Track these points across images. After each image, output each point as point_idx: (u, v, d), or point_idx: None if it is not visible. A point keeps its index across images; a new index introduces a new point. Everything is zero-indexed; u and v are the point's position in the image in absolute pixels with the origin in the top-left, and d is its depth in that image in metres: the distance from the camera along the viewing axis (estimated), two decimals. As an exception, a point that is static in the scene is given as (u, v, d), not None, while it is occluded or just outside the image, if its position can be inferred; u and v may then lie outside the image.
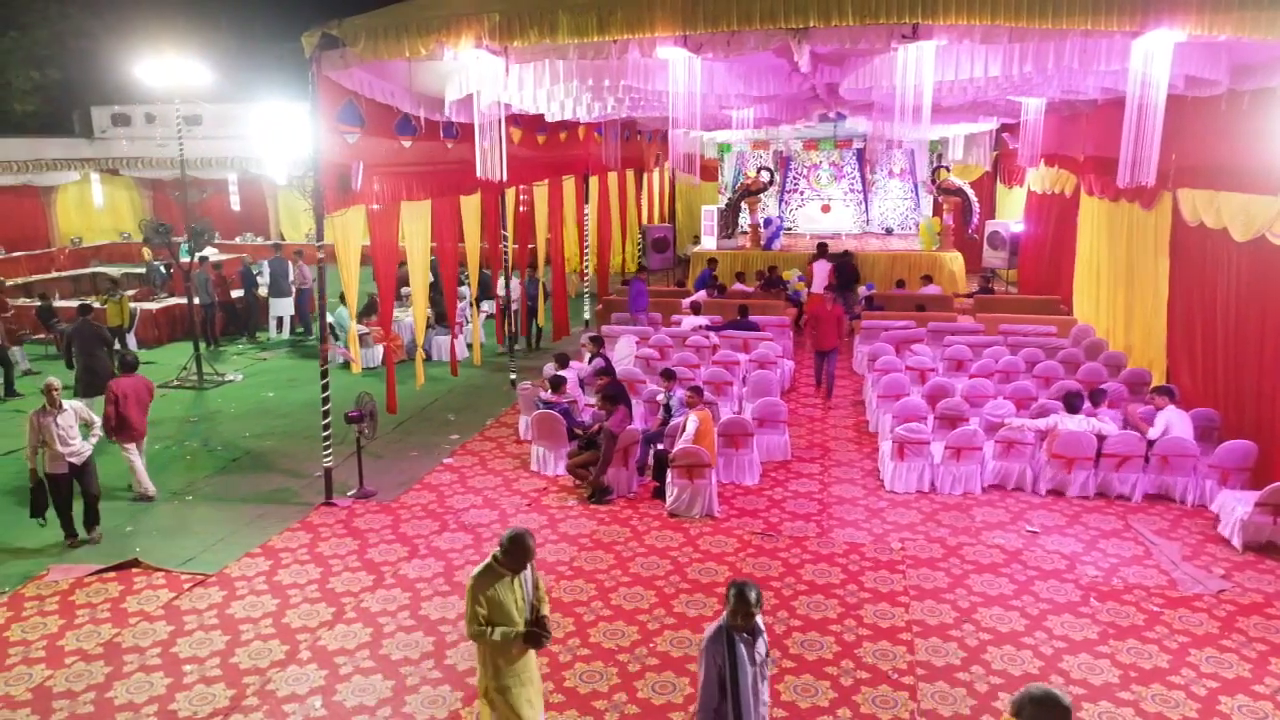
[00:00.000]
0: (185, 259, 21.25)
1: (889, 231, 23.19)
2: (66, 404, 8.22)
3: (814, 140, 22.98)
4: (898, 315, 14.98)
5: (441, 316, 14.64)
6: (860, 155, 23.26)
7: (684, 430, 9.00)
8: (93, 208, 27.98)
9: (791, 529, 8.68)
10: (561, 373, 10.52)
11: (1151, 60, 7.04)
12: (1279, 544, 8.05)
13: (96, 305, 14.48)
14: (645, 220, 22.78)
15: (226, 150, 26.03)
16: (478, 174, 9.07)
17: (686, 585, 7.60)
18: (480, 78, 8.81)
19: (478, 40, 8.05)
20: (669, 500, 9.03)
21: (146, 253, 22.25)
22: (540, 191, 15.58)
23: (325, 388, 9.47)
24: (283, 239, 22.83)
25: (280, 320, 17.15)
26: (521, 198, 15.24)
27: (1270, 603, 7.23)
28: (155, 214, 29.20)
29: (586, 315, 17.63)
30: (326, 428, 9.42)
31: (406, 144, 10.38)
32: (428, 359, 13.28)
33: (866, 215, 23.71)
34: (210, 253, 20.23)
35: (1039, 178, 18.02)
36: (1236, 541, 8.08)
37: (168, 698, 6.13)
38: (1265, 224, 8.60)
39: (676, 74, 8.30)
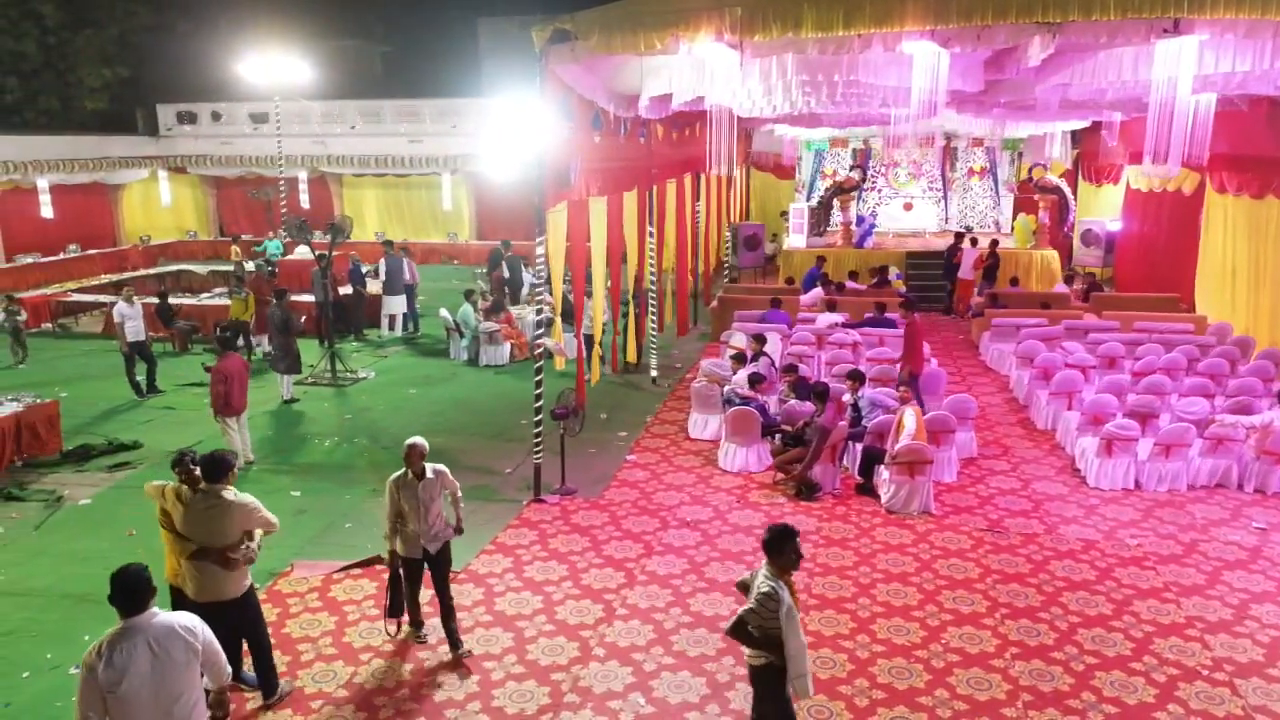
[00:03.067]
0: (277, 255, 21.37)
1: (969, 230, 23.18)
2: (429, 468, 6.47)
3: (899, 137, 22.94)
4: (1024, 313, 14.97)
5: (569, 315, 14.62)
6: (942, 153, 23.25)
7: (901, 427, 9.00)
8: (158, 206, 27.90)
9: (1015, 525, 8.68)
10: (756, 369, 10.50)
11: None
12: None
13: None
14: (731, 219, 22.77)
15: (297, 148, 25.97)
16: (707, 167, 9.10)
17: (944, 581, 7.60)
18: (708, 73, 8.80)
19: (717, 34, 8.05)
20: (885, 497, 9.03)
21: (235, 251, 22.26)
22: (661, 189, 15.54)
23: (539, 385, 9.42)
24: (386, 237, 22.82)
25: (392, 318, 17.10)
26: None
27: None
28: (220, 211, 29.25)
29: (695, 314, 17.61)
30: (538, 424, 9.38)
31: (596, 139, 10.38)
32: (549, 357, 13.20)
33: (946, 213, 23.70)
34: (302, 251, 20.21)
35: (1143, 174, 18.01)
36: None
37: (485, 695, 6.13)
38: None
39: (918, 68, 8.31)
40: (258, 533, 5.79)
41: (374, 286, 17.45)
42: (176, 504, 5.69)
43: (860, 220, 21.28)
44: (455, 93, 27.58)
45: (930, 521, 8.77)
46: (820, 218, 21.36)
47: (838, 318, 14.29)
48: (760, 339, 11.87)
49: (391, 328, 17.14)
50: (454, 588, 7.45)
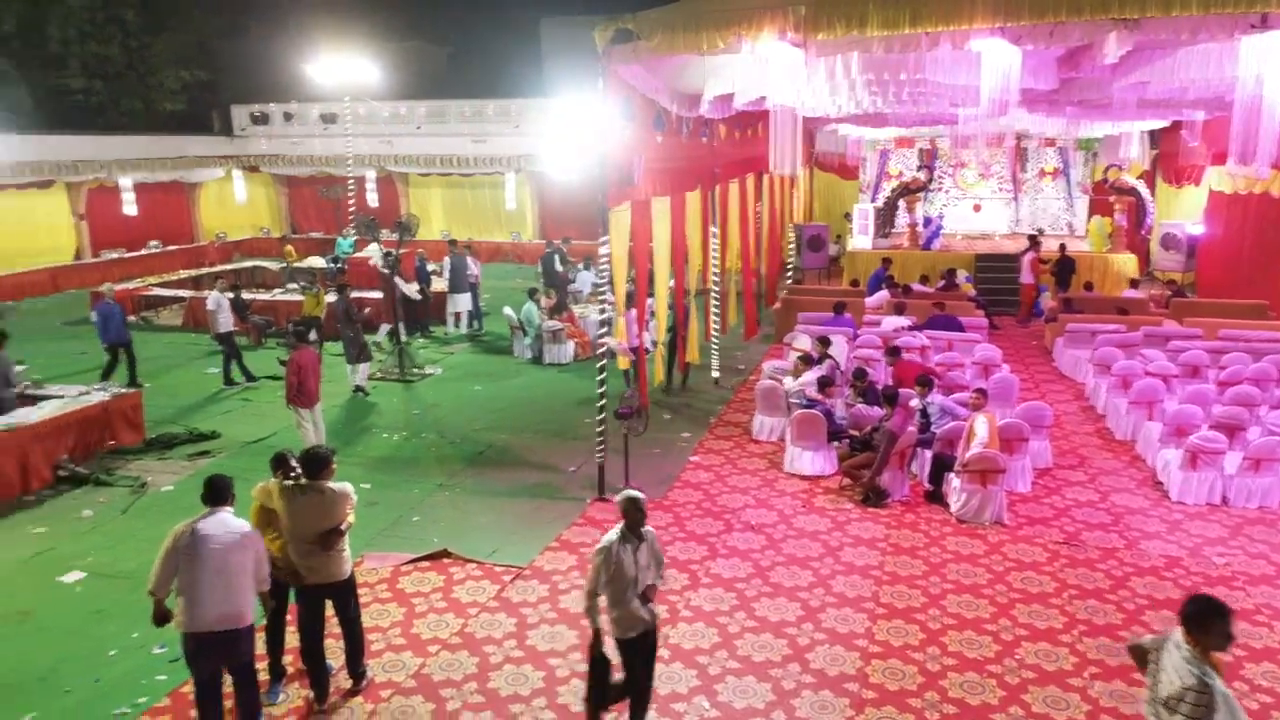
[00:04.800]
0: (348, 253, 21.81)
1: (1041, 232, 22.61)
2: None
3: (967, 137, 22.49)
4: (1101, 319, 14.54)
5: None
6: (1013, 153, 22.73)
7: (973, 434, 8.81)
8: (233, 203, 28.74)
9: (1093, 539, 8.43)
10: (823, 373, 10.39)
11: None
12: None
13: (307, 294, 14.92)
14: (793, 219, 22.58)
15: (364, 148, 26.48)
16: (770, 168, 9.05)
17: (1019, 595, 7.42)
18: (771, 72, 8.74)
19: (780, 33, 7.98)
20: (955, 505, 8.85)
21: (290, 251, 22.85)
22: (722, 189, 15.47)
23: (602, 384, 9.45)
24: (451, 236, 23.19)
25: (457, 315, 17.34)
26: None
27: None
28: (291, 209, 30.00)
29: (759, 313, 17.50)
30: (601, 423, 9.41)
31: (658, 139, 10.38)
32: (612, 357, 13.20)
33: (1017, 215, 23.17)
34: (374, 249, 20.59)
35: (1227, 176, 17.34)
36: None
37: (550, 691, 6.16)
38: None
39: (988, 67, 8.13)
40: (347, 519, 5.98)
41: (439, 284, 17.71)
42: (282, 500, 5.88)
43: (927, 222, 20.92)
44: (518, 93, 27.87)
45: (1003, 532, 8.57)
46: (885, 219, 21.05)
47: (905, 320, 14.06)
48: (825, 341, 11.73)
49: (456, 325, 17.38)
50: (520, 583, 7.57)
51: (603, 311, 9.59)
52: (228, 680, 5.52)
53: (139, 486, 9.58)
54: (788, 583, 7.60)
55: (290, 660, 6.27)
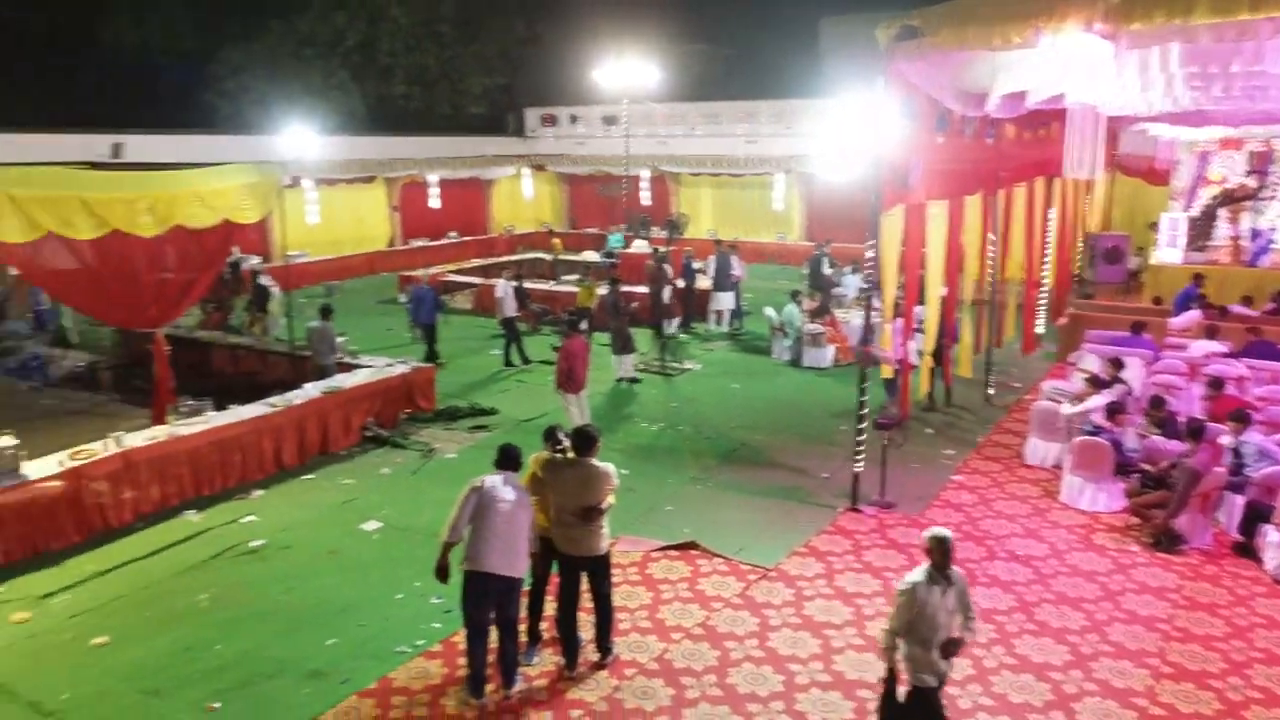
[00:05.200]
0: (619, 248, 22.89)
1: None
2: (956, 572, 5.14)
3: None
4: None
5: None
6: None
7: (1300, 481, 7.62)
8: (521, 199, 31.10)
9: None
10: (1114, 398, 9.46)
11: None
12: None
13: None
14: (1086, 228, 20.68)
15: (641, 148, 27.55)
16: (1064, 171, 8.37)
17: (1347, 674, 6.33)
18: (1072, 67, 8.04)
19: (1087, 24, 7.27)
20: (1272, 563, 7.69)
21: (556, 244, 24.32)
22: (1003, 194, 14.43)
23: (864, 391, 9.21)
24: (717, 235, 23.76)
25: (719, 314, 17.61)
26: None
27: None
28: (572, 206, 31.94)
29: (1040, 331, 16.21)
30: (860, 431, 9.17)
31: (939, 140, 9.90)
32: (875, 364, 12.66)
33: (1375, 231, 19.63)
34: (640, 245, 21.48)
35: None
36: None
37: (788, 696, 6.11)
38: None
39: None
40: (608, 498, 6.31)
41: (703, 282, 18.06)
42: (548, 470, 6.36)
43: (1255, 235, 18.26)
44: (794, 94, 27.74)
45: (1332, 599, 7.35)
46: (1201, 230, 18.64)
47: (1219, 346, 12.39)
48: (1117, 363, 10.63)
49: (718, 322, 17.65)
50: (764, 584, 7.56)
51: (867, 317, 9.32)
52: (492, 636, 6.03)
53: (428, 452, 10.66)
54: (1055, 623, 6.99)
55: (546, 627, 6.69)
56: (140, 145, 20.00)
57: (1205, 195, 20.16)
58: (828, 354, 14.76)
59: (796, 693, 6.14)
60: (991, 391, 12.72)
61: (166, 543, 8.39)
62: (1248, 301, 14.95)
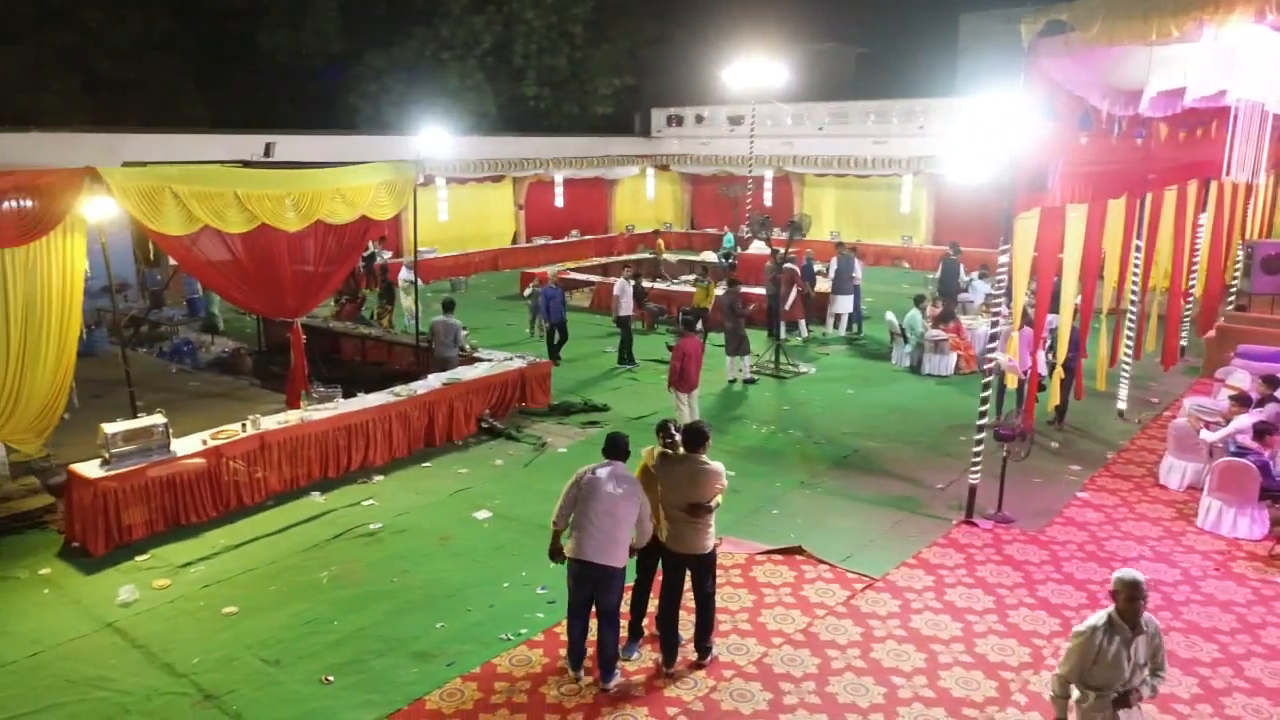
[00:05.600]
0: (730, 249, 22.78)
1: None
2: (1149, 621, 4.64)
3: None
4: None
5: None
6: None
7: None
8: (643, 199, 31.39)
9: None
10: (1264, 418, 8.80)
11: None
12: None
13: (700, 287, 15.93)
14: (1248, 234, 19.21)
15: (765, 148, 27.32)
16: (1222, 174, 7.84)
17: None
18: (1237, 61, 7.51)
19: (1258, 14, 6.76)
20: None
21: (661, 244, 24.47)
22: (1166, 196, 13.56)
23: (985, 401, 8.88)
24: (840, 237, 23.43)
25: (838, 317, 17.29)
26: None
27: None
28: (693, 206, 32.01)
29: (1184, 343, 15.21)
30: (979, 442, 8.84)
31: (1082, 140, 9.41)
32: (1001, 373, 12.08)
33: None
34: (758, 246, 21.33)
35: None
36: None
37: (889, 709, 5.96)
38: None
39: None
40: (717, 497, 6.31)
41: (823, 284, 17.78)
42: (658, 465, 6.40)
43: None
44: (927, 93, 26.95)
45: None
46: (1381, 239, 17.02)
47: (1395, 367, 11.31)
48: (1272, 381, 9.85)
49: (836, 326, 17.34)
50: (870, 594, 7.40)
51: (995, 325, 8.97)
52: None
53: (540, 445, 10.92)
54: (1184, 653, 6.57)
55: (647, 624, 6.76)
56: (289, 145, 21.19)
57: (1384, 200, 18.45)
58: (950, 361, 14.28)
59: (898, 706, 5.99)
60: (1123, 406, 12.01)
61: (293, 521, 8.91)
62: None
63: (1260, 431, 8.53)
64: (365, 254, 17.38)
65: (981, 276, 17.40)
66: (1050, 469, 10.21)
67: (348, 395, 10.68)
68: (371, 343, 14.60)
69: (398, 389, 10.87)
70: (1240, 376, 10.92)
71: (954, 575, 7.75)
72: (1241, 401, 9.23)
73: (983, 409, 8.85)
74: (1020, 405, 10.52)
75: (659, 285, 19.62)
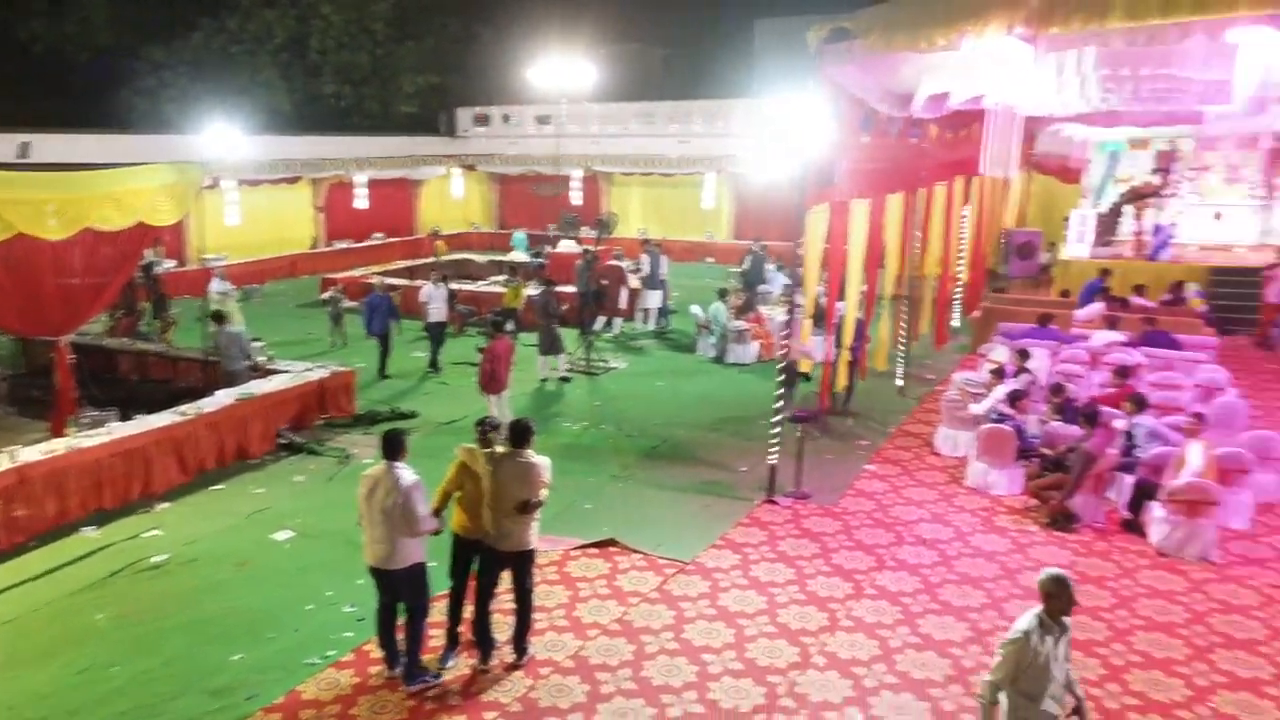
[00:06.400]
0: (522, 249, 22.77)
1: (1295, 243, 20.05)
2: None
3: (1215, 138, 20.33)
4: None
5: (820, 318, 14.36)
6: (1269, 156, 20.28)
7: (1184, 462, 8.02)
8: (450, 200, 30.81)
9: (1324, 589, 7.46)
10: (1018, 387, 9.81)
11: None
12: None
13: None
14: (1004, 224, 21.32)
15: (574, 148, 27.57)
16: (981, 169, 8.69)
17: (1219, 638, 6.71)
18: (993, 69, 8.35)
19: (1008, 27, 7.56)
20: (1156, 537, 8.10)
21: (440, 246, 24.31)
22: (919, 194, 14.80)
23: (780, 385, 9.38)
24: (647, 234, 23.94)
25: (647, 312, 17.73)
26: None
27: None
28: (502, 206, 31.77)
29: (955, 324, 16.71)
30: (776, 425, 9.34)
31: (864, 140, 10.16)
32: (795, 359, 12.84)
33: (1267, 225, 20.64)
34: (567, 245, 21.48)
35: None
36: None
37: (701, 686, 6.22)
38: None
39: (1249, 58, 7.34)
40: (543, 491, 6.34)
41: (634, 281, 18.16)
42: (484, 464, 6.33)
43: (1157, 230, 19.09)
44: (728, 94, 28.05)
45: (1209, 570, 7.75)
46: (1108, 226, 19.42)
47: (1118, 336, 12.95)
48: (1024, 354, 11.04)
49: (645, 321, 17.77)
50: (681, 577, 7.67)
51: (789, 313, 9.51)
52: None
53: (344, 458, 10.52)
54: (957, 601, 7.26)
55: (463, 630, 6.68)
56: (50, 145, 19.31)
57: (1113, 193, 21.03)
58: (751, 350, 15.00)
59: (709, 681, 6.26)
60: (900, 384, 13.07)
61: (62, 561, 8.06)
62: (1140, 291, 15.62)
63: (1013, 398, 9.53)
64: (143, 263, 16.04)
65: (779, 268, 18.34)
66: (842, 445, 10.95)
67: (126, 418, 9.87)
68: (154, 359, 13.52)
69: (184, 408, 10.13)
70: (1000, 352, 12.14)
71: (758, 552, 8.17)
72: (998, 374, 10.27)
73: (779, 393, 9.37)
74: (815, 389, 11.21)
75: (468, 287, 19.36)
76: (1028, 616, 4.64)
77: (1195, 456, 7.95)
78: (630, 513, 9.05)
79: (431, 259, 22.72)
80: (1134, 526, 8.47)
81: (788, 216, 9.15)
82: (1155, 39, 7.66)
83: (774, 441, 9.33)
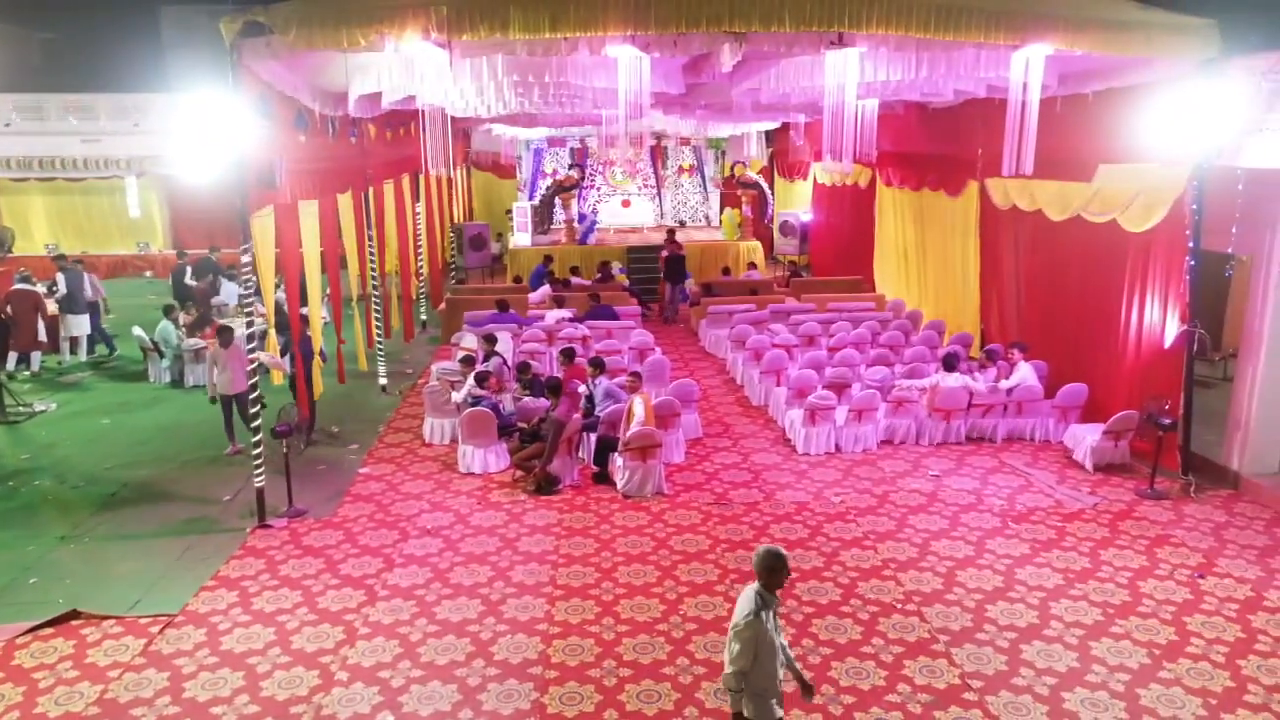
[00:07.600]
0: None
1: (682, 225, 24.61)
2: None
3: (612, 137, 23.79)
4: (735, 300, 16.16)
5: (284, 326, 13.71)
6: (653, 152, 24.44)
7: (632, 414, 9.40)
8: None
9: (738, 496, 9.39)
10: (484, 367, 10.47)
11: (1029, 68, 8.47)
12: (1120, 464, 9.98)
13: None
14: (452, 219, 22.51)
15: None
16: (427, 168, 9.00)
17: (679, 556, 8.07)
18: (418, 71, 8.64)
19: (424, 32, 7.92)
20: (620, 482, 9.40)
21: None
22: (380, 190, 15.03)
23: (255, 401, 8.76)
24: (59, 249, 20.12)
25: (74, 340, 15.11)
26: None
27: (1132, 508, 9.00)
28: None
29: (424, 317, 17.27)
30: (257, 444, 8.73)
31: (302, 139, 9.84)
32: (265, 372, 12.22)
33: (660, 209, 24.98)
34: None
35: (825, 170, 20.08)
36: (1088, 465, 9.91)
37: (215, 742, 5.66)
38: (1080, 205, 10.51)
39: (623, 71, 8.67)
40: None
41: (51, 306, 15.33)
42: None
43: (582, 218, 21.88)
44: (136, 87, 24.84)
45: (664, 502, 9.26)
46: (543, 216, 21.69)
47: (566, 313, 14.62)
48: (491, 339, 11.88)
49: (74, 351, 15.16)
50: (171, 632, 6.85)
51: (250, 324, 8.89)
52: None
53: None
54: (468, 581, 7.63)
55: None
56: None
57: (543, 186, 23.49)
58: (216, 369, 13.72)
59: (222, 735, 5.72)
60: (384, 382, 13.20)
61: None
62: (576, 271, 17.85)
63: (479, 379, 10.23)
64: None
65: (229, 277, 17.04)
66: (333, 454, 10.69)
67: None
68: None
69: None
70: (470, 339, 12.90)
71: (258, 583, 7.63)
72: (468, 362, 10.91)
73: (254, 410, 8.78)
74: (293, 398, 10.72)
75: None
76: (749, 597, 4.63)
77: (639, 408, 9.39)
78: (93, 576, 7.78)
79: None
80: (603, 478, 9.73)
81: (232, 222, 8.51)
82: (551, 50, 8.74)
83: (257, 462, 8.74)
